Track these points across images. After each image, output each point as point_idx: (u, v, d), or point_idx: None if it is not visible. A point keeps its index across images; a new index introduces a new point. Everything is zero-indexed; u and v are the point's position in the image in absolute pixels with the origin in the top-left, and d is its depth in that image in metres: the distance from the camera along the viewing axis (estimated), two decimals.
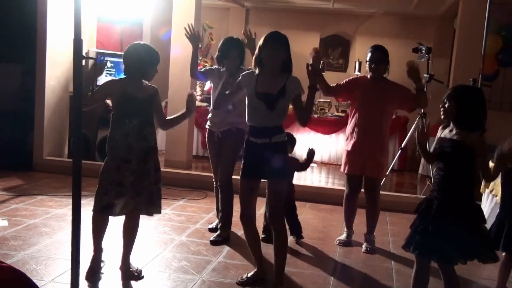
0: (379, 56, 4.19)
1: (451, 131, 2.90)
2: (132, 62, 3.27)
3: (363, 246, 4.41)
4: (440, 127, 3.02)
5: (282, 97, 3.22)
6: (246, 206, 3.39)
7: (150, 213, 3.40)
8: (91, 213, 3.31)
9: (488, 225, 3.05)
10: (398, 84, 4.25)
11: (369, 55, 4.24)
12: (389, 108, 4.28)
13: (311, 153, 4.12)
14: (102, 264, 3.41)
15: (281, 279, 3.36)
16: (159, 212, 3.44)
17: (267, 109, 3.21)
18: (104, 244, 3.42)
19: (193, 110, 3.56)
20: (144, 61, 3.26)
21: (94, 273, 3.31)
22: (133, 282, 3.37)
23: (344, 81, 4.39)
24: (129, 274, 3.42)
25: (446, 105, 2.89)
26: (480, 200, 4.63)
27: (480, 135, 2.81)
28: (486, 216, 4.04)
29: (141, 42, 3.40)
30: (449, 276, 2.95)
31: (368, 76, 4.29)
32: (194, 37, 4.38)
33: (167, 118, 3.62)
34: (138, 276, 3.42)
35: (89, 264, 3.33)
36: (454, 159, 2.84)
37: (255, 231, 3.48)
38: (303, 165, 4.17)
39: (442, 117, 2.94)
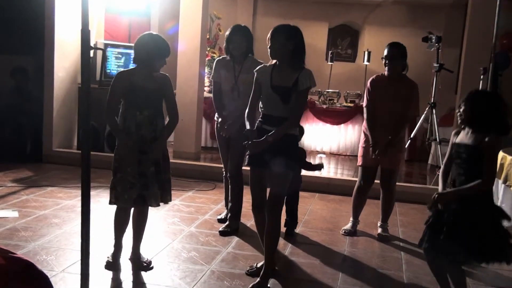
0: (394, 53, 4.15)
1: (467, 134, 2.90)
2: (140, 53, 3.27)
3: (378, 232, 4.42)
4: (453, 134, 3.02)
5: (295, 91, 3.20)
6: (257, 196, 3.38)
7: (165, 201, 3.44)
8: (100, 205, 3.34)
9: None
10: (412, 87, 4.22)
11: (385, 52, 4.22)
12: (404, 104, 4.21)
13: (319, 166, 4.28)
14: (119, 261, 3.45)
15: (269, 264, 3.31)
16: (171, 200, 3.48)
17: (282, 102, 3.20)
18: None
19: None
20: (151, 53, 3.24)
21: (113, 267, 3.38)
22: (142, 273, 3.38)
23: (367, 94, 4.32)
24: (139, 264, 3.44)
25: (461, 109, 2.90)
26: None
27: (495, 138, 2.77)
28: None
29: (153, 33, 3.37)
30: (456, 275, 2.96)
31: (386, 74, 4.26)
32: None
33: (170, 123, 3.50)
34: (147, 266, 3.44)
35: (108, 259, 3.40)
36: (471, 163, 2.84)
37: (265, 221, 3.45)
38: (309, 166, 4.24)
39: (459, 121, 2.95)
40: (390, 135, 4.18)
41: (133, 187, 3.25)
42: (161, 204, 3.43)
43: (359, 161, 4.40)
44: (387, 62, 4.18)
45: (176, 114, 3.48)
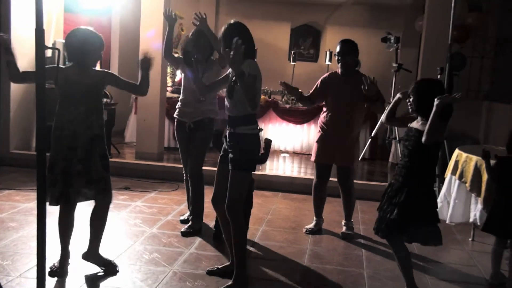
0: (345, 49, 4.24)
1: (417, 121, 3.11)
2: (71, 50, 3.20)
3: (342, 231, 4.47)
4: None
5: (237, 83, 3.10)
6: (216, 189, 3.32)
7: (102, 203, 3.31)
8: (58, 207, 3.24)
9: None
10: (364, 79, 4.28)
11: (337, 48, 4.30)
12: (359, 101, 4.28)
13: (267, 144, 3.57)
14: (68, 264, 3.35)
15: (238, 277, 3.22)
16: (110, 201, 3.35)
17: (228, 97, 3.20)
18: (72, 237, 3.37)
19: (150, 66, 3.44)
20: (80, 49, 3.18)
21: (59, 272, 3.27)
22: (103, 275, 3.31)
23: (316, 87, 4.41)
24: (95, 259, 3.36)
25: (411, 99, 3.10)
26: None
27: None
28: (451, 203, 4.24)
29: (83, 28, 3.27)
30: (397, 249, 3.18)
31: (338, 71, 4.32)
32: (170, 18, 4.32)
33: (138, 83, 3.45)
34: (108, 265, 3.37)
35: (55, 263, 3.29)
36: (417, 146, 3.02)
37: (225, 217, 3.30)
38: (262, 158, 3.64)
39: (410, 110, 3.13)
40: (345, 130, 4.27)
41: (55, 185, 3.14)
42: (104, 204, 3.33)
43: (313, 157, 4.47)
44: (339, 58, 4.25)
45: (135, 84, 3.45)
